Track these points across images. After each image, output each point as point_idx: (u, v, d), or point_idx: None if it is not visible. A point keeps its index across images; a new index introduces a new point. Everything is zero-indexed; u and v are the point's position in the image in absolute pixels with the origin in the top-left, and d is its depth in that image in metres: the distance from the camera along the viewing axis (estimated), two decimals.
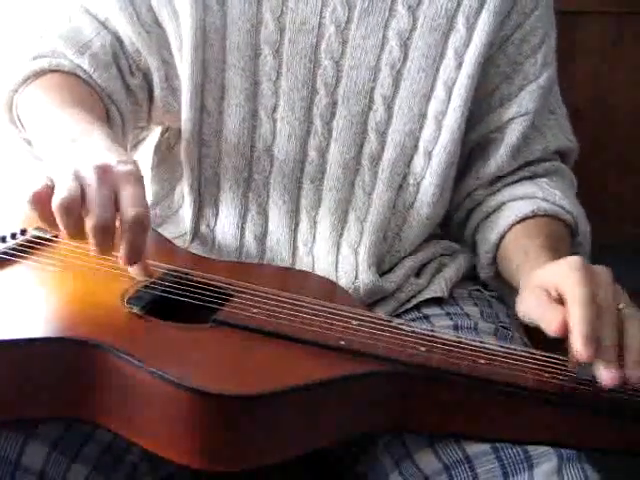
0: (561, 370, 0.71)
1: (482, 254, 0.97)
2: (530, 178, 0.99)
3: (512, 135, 0.97)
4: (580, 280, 0.70)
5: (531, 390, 0.69)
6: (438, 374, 0.70)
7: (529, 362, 0.72)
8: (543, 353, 0.75)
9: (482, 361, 0.71)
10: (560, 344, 0.72)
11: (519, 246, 0.91)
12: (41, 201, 0.68)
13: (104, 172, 0.69)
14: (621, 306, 0.70)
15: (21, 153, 0.95)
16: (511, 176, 0.99)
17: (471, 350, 0.73)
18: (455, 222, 1.05)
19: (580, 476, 0.68)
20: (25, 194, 0.69)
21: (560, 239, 0.92)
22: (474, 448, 0.71)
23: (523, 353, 0.75)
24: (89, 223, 0.67)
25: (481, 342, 0.77)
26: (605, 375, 0.67)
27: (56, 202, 0.67)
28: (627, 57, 1.75)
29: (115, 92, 0.92)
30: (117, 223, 0.69)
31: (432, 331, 0.78)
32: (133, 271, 0.75)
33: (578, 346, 0.67)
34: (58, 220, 0.68)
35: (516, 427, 0.71)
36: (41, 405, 0.68)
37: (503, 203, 0.98)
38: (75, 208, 0.67)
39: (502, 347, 0.76)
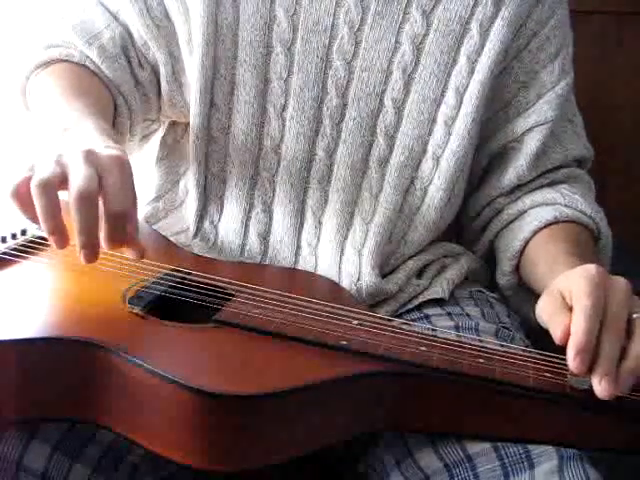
0: (561, 370, 0.71)
1: (504, 261, 0.97)
2: (549, 185, 0.99)
3: (531, 144, 0.97)
4: (589, 289, 0.69)
5: (531, 390, 0.69)
6: (438, 374, 0.70)
7: (529, 362, 0.72)
8: (544, 353, 0.75)
9: (482, 360, 0.71)
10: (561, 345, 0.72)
11: (545, 251, 0.91)
12: (21, 192, 0.68)
13: (88, 155, 0.69)
14: (635, 316, 0.69)
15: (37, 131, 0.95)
16: (531, 184, 0.99)
17: (471, 350, 0.73)
18: (472, 230, 1.04)
19: (581, 475, 0.68)
20: (7, 186, 0.68)
21: (585, 245, 0.92)
22: (475, 447, 0.71)
23: (524, 353, 0.75)
24: (71, 194, 0.66)
25: (481, 342, 0.77)
26: (598, 388, 0.66)
27: (33, 183, 0.66)
28: (627, 57, 1.75)
29: (123, 84, 0.93)
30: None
31: (433, 331, 0.78)
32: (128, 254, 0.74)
33: (569, 356, 0.67)
34: (35, 202, 0.66)
35: (516, 427, 0.70)
36: (42, 405, 0.68)
37: (524, 211, 0.98)
38: (53, 188, 0.67)
39: (502, 347, 0.76)
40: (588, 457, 0.70)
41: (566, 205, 0.95)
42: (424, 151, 0.94)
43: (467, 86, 0.93)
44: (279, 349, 0.70)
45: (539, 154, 0.97)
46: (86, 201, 0.66)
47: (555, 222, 0.94)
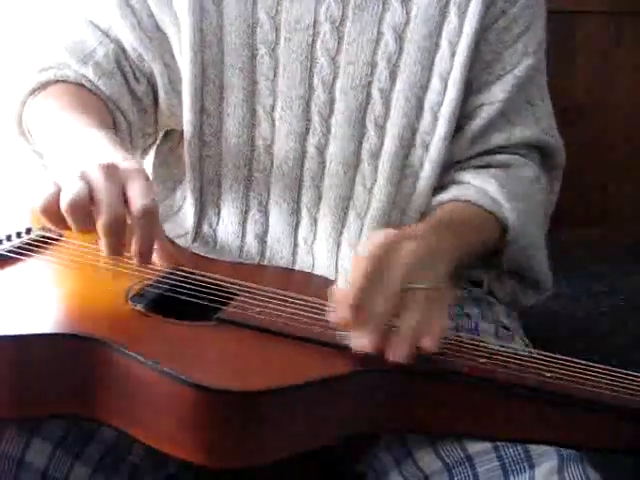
0: (561, 370, 0.71)
1: None
2: (481, 167, 0.97)
3: (477, 122, 0.96)
4: (369, 251, 0.70)
5: (531, 390, 0.69)
6: (439, 373, 0.70)
7: (529, 362, 0.72)
8: (543, 353, 0.75)
9: (482, 360, 0.71)
10: (560, 345, 0.72)
11: None
12: (51, 207, 0.69)
13: (111, 170, 0.70)
14: (414, 285, 0.70)
15: (32, 165, 0.95)
16: (465, 163, 0.97)
17: (471, 350, 0.73)
18: None
19: (581, 476, 0.68)
20: (35, 203, 0.69)
21: (466, 222, 0.89)
22: (474, 447, 0.71)
23: (523, 353, 0.75)
24: (99, 222, 0.68)
25: (481, 342, 0.77)
26: (354, 341, 0.68)
27: (64, 203, 0.67)
28: (627, 57, 1.76)
29: (121, 99, 0.93)
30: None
31: None
32: (159, 262, 0.75)
33: (340, 311, 0.68)
34: (69, 220, 0.68)
35: (516, 427, 0.71)
36: (44, 402, 0.68)
37: (442, 187, 0.96)
38: (83, 206, 0.68)
39: (502, 347, 0.76)
40: (588, 457, 0.70)
41: (474, 186, 0.93)
42: (413, 139, 0.94)
43: (450, 70, 0.92)
44: (281, 347, 0.70)
45: (481, 132, 0.96)
46: (114, 226, 0.68)
47: (455, 200, 0.92)
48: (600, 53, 1.75)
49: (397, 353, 0.68)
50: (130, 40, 0.93)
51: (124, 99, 0.94)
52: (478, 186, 0.92)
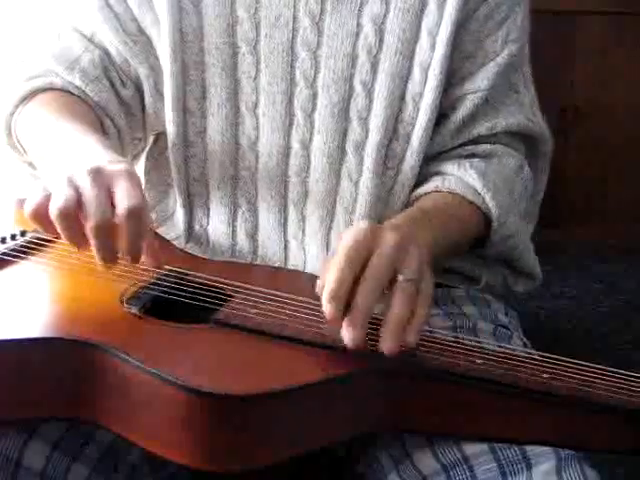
0: (560, 371, 0.71)
1: None
2: (464, 157, 0.96)
3: (461, 111, 0.95)
4: (349, 242, 0.69)
5: (529, 391, 0.69)
6: (437, 374, 0.70)
7: (528, 362, 0.72)
8: (542, 353, 0.75)
9: (480, 361, 0.71)
10: (560, 345, 0.72)
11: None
12: (41, 214, 0.69)
13: (97, 173, 0.70)
14: (400, 278, 0.70)
15: (24, 175, 0.96)
16: (448, 153, 0.97)
17: (469, 350, 0.73)
18: None
19: (579, 476, 0.68)
20: (25, 210, 0.70)
21: (447, 214, 0.89)
22: (472, 448, 0.71)
23: (522, 353, 0.75)
24: (88, 225, 0.68)
25: (479, 342, 0.77)
26: (345, 336, 0.67)
27: (53, 210, 0.68)
28: (627, 57, 1.76)
29: (108, 105, 0.93)
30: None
31: (430, 331, 0.78)
32: (147, 262, 0.75)
33: (323, 304, 0.68)
34: (58, 228, 0.69)
35: (515, 427, 0.70)
36: (41, 405, 0.68)
37: (425, 178, 0.95)
38: (72, 213, 0.68)
39: (500, 347, 0.76)
40: (586, 457, 0.70)
41: (457, 177, 0.93)
42: (395, 130, 0.94)
43: (431, 61, 0.92)
44: (278, 349, 0.70)
45: (465, 122, 0.96)
46: (102, 229, 0.68)
47: (436, 191, 0.92)
48: (600, 53, 1.75)
49: (386, 346, 0.67)
50: (115, 44, 0.93)
51: (112, 104, 0.94)
52: (459, 177, 0.92)
